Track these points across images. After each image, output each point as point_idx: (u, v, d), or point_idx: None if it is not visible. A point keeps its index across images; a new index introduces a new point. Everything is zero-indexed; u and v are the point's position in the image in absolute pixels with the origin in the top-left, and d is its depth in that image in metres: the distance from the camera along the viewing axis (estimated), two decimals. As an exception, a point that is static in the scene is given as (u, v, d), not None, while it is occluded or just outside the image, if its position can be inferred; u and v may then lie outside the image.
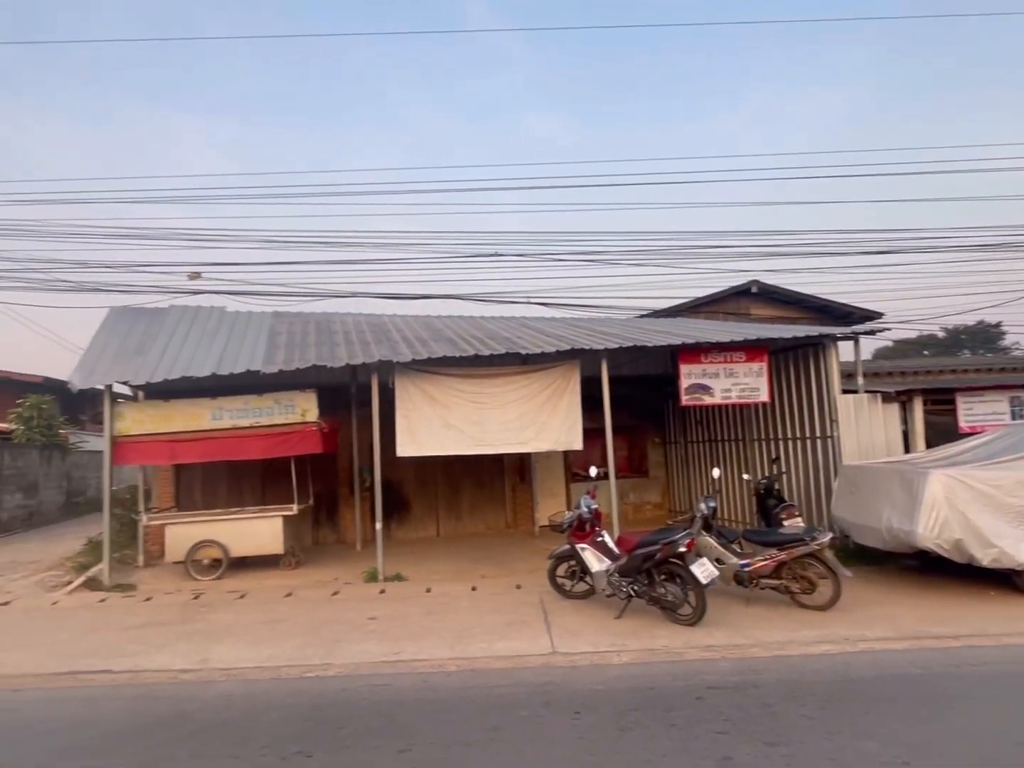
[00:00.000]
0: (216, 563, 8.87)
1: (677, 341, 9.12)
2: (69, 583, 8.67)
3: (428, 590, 7.71)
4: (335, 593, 7.75)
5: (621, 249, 12.98)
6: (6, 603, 7.74)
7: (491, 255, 12.71)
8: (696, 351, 9.32)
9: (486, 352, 8.74)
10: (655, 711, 3.92)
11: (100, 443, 24.09)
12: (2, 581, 9.04)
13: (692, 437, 12.90)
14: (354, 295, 12.26)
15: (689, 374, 9.36)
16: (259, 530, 9.07)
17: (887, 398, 9.35)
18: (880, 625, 5.67)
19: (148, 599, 7.76)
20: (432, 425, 8.78)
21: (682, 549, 5.89)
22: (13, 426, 19.24)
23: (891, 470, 7.18)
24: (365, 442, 11.62)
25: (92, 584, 8.47)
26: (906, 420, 9.51)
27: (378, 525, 8.58)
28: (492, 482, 12.73)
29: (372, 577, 8.38)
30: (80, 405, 25.19)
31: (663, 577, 6.01)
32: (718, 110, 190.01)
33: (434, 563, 9.44)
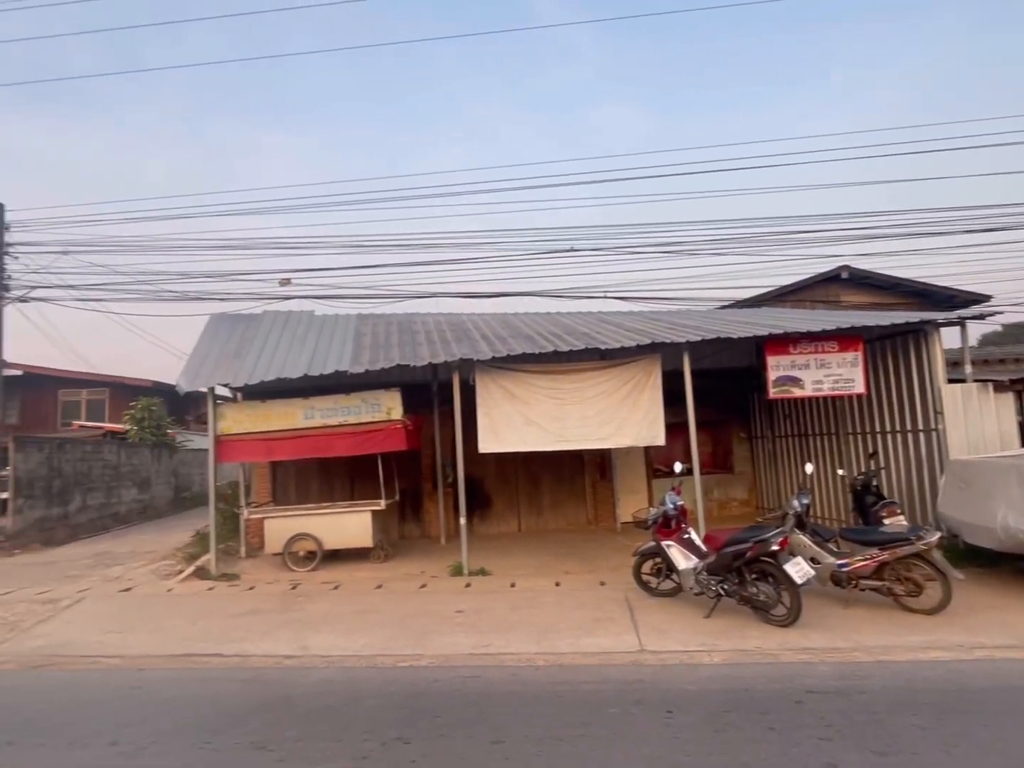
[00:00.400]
0: (311, 555, 9.31)
1: (764, 331, 8.79)
2: (181, 572, 9.35)
3: (512, 585, 7.80)
4: (423, 586, 7.98)
5: (701, 238, 12.62)
6: (128, 589, 8.43)
7: (567, 251, 12.68)
8: (784, 341, 8.95)
9: (565, 348, 8.74)
10: (751, 714, 3.82)
11: (203, 442, 25.74)
12: (123, 569, 9.86)
13: (780, 431, 12.40)
14: (433, 295, 12.56)
15: (777, 366, 9.00)
16: (350, 524, 9.44)
17: (999, 387, 8.65)
18: (997, 632, 5.27)
19: (251, 588, 8.25)
20: (513, 422, 8.86)
21: (775, 548, 5.68)
22: (127, 427, 20.91)
23: (1008, 465, 6.63)
24: (447, 438, 11.92)
25: (201, 573, 9.08)
26: (1023, 411, 8.77)
27: (462, 520, 8.76)
28: (572, 478, 12.71)
29: (457, 571, 8.57)
30: (185, 406, 27.01)
31: (754, 576, 5.82)
32: (798, 92, 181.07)
33: (517, 558, 9.53)
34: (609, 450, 11.74)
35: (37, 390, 24.99)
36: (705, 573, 6.10)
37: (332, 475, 11.98)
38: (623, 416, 8.83)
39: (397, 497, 10.46)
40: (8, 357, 23.49)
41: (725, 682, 4.43)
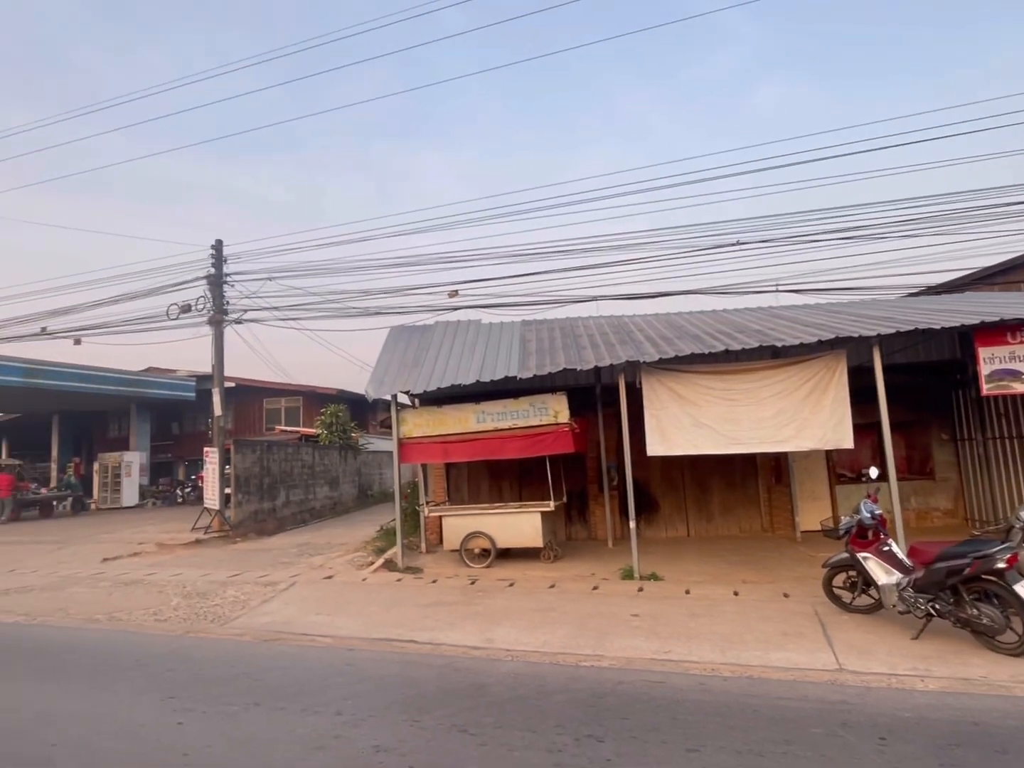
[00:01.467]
0: (485, 552, 9.77)
1: (974, 319, 7.77)
2: (371, 563, 10.25)
3: (687, 591, 7.60)
4: (595, 588, 8.04)
5: (885, 221, 11.38)
6: (330, 577, 9.42)
7: (733, 244, 12.11)
8: (1000, 330, 7.85)
9: (737, 347, 8.37)
10: (984, 751, 3.41)
11: (382, 444, 27.95)
12: (324, 559, 11.03)
13: (994, 432, 10.84)
14: (594, 299, 12.58)
15: (991, 358, 7.91)
16: (521, 524, 9.77)
17: None
18: None
19: (434, 581, 8.84)
20: (682, 424, 8.65)
21: (1000, 565, 5.00)
22: (318, 430, 23.32)
23: None
24: (611, 441, 11.92)
25: (389, 565, 9.89)
26: None
27: (632, 524, 8.70)
28: (744, 482, 12.10)
29: (628, 575, 8.52)
30: (364, 412, 29.58)
31: (973, 596, 5.17)
32: (964, 58, 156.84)
33: (687, 564, 9.27)
34: (785, 453, 11.02)
35: (246, 399, 28.72)
36: (911, 590, 5.52)
37: (501, 476, 12.47)
38: (804, 417, 8.26)
39: (564, 499, 10.64)
40: (225, 372, 27.26)
41: (948, 712, 3.98)
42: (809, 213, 14.05)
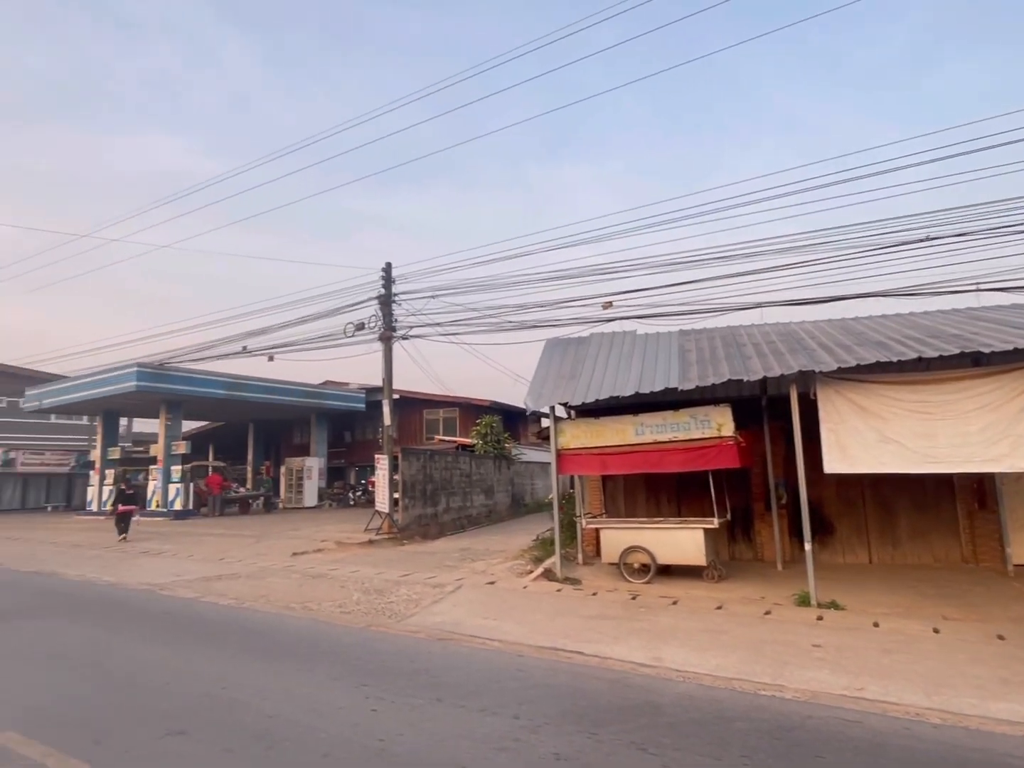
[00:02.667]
0: (645, 568, 9.56)
1: None
2: (531, 572, 10.45)
3: (875, 624, 6.90)
4: (767, 612, 7.56)
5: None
6: (492, 583, 9.74)
7: (921, 240, 10.90)
8: None
9: (932, 354, 7.52)
10: None
11: (535, 455, 28.46)
12: (485, 565, 11.43)
13: None
14: (757, 306, 11.90)
15: None
16: (682, 540, 9.46)
17: None
18: None
19: (594, 594, 8.81)
20: (865, 439, 7.90)
21: None
22: (474, 440, 24.27)
23: None
24: (779, 456, 11.18)
25: (548, 575, 10.02)
26: None
27: (807, 547, 8.09)
28: (938, 505, 10.76)
29: (804, 601, 7.92)
30: (517, 423, 30.35)
31: None
32: None
33: (871, 594, 8.41)
34: (991, 474, 9.67)
35: (408, 410, 30.65)
36: None
37: (659, 490, 12.18)
38: (1020, 433, 7.20)
39: (728, 516, 10.14)
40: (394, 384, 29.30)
41: None
42: (1015, 200, 12.29)
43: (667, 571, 9.82)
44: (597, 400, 9.59)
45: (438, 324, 16.34)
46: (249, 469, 30.97)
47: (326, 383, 32.30)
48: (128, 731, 4.19)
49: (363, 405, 30.86)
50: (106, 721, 4.38)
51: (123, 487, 19.29)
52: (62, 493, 32.61)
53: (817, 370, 8.06)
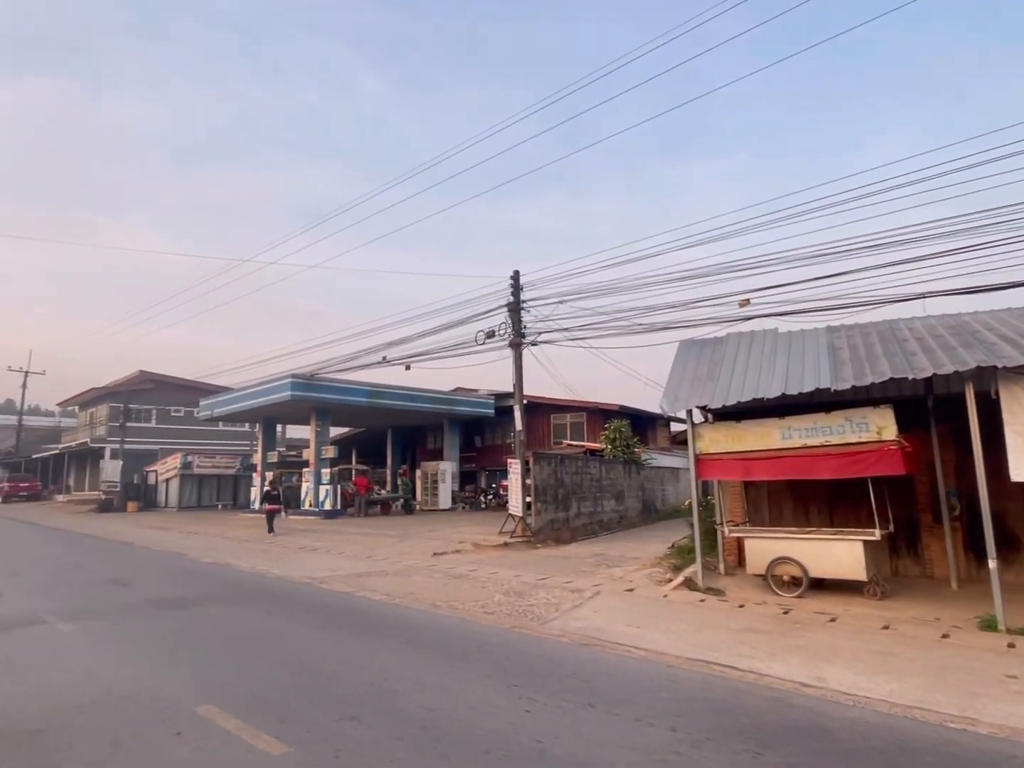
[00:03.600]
0: (794, 581, 8.98)
1: None
2: (670, 580, 10.18)
3: (1086, 656, 6.01)
4: (944, 636, 6.82)
5: None
6: (631, 590, 9.60)
7: None
8: None
9: None
10: None
11: (666, 460, 27.76)
12: (622, 571, 11.28)
13: None
14: (921, 296, 10.79)
15: None
16: (839, 553, 8.79)
17: None
18: None
19: (740, 606, 8.41)
20: (1062, 443, 6.92)
21: None
22: (602, 445, 24.07)
23: None
24: (949, 463, 10.07)
25: (689, 584, 9.70)
26: None
27: (991, 564, 7.21)
28: None
29: (989, 625, 7.06)
30: (646, 427, 29.76)
31: None
32: None
33: (1078, 621, 7.33)
34: None
35: (535, 415, 30.99)
36: None
37: (808, 498, 11.40)
38: None
39: (891, 528, 9.28)
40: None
41: None
42: None
43: (820, 585, 9.16)
44: (739, 402, 9.18)
45: (566, 329, 16.42)
46: (388, 472, 32.77)
47: (456, 390, 33.49)
48: (307, 712, 4.57)
49: (492, 411, 31.64)
50: (288, 702, 4.81)
51: (268, 488, 21.28)
52: (230, 493, 36.30)
53: (999, 365, 7.19)
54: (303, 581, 10.69)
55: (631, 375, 34.00)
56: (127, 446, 35.19)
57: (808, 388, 8.53)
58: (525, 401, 24.89)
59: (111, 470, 34.76)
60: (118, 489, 33.78)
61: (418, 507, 29.34)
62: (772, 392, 8.83)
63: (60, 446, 47.63)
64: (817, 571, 8.90)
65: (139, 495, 34.53)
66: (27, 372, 48.23)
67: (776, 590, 9.06)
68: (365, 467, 31.06)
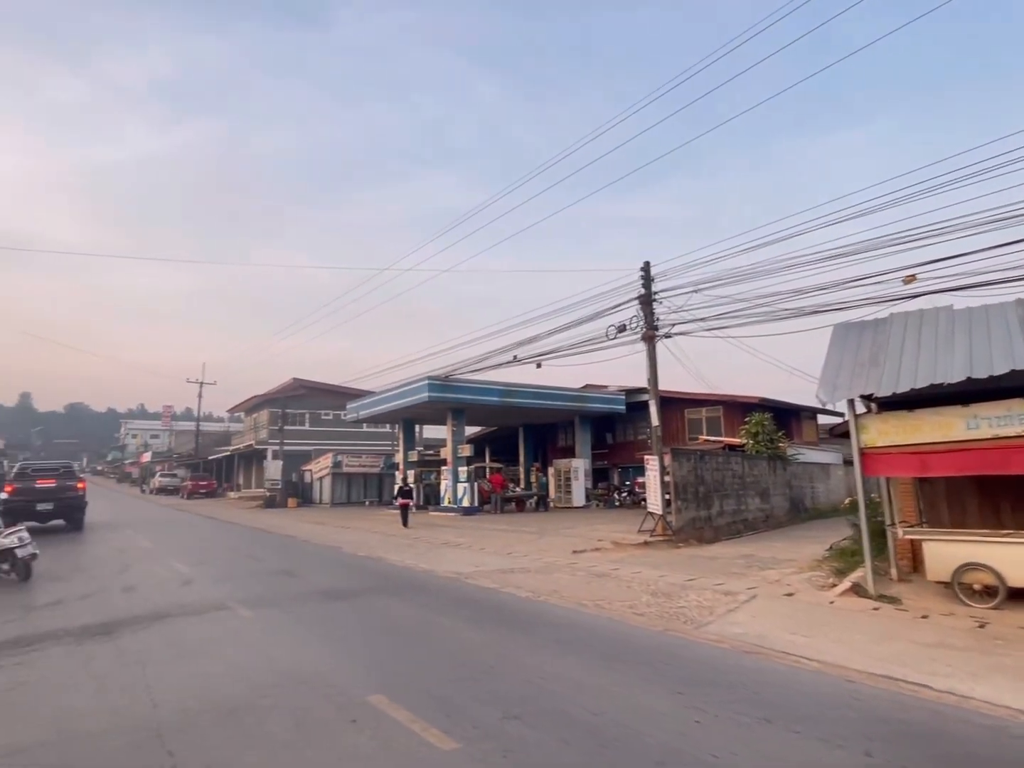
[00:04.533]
0: (988, 591, 7.90)
1: None
2: (834, 585, 9.35)
3: None
4: None
5: None
6: (790, 595, 8.93)
7: None
8: None
9: None
10: None
11: (814, 455, 25.85)
12: (777, 574, 10.55)
13: None
14: None
15: None
16: (1046, 560, 7.62)
17: None
18: None
19: (923, 617, 7.52)
20: None
21: None
22: (743, 440, 22.81)
23: None
24: None
25: (858, 591, 8.85)
26: None
27: None
28: None
29: None
30: (790, 420, 27.83)
31: None
32: None
33: None
34: None
35: (668, 410, 29.98)
36: None
37: (997, 495, 10.00)
38: None
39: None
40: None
41: None
42: None
43: (1020, 596, 7.99)
44: (912, 389, 8.24)
45: (702, 319, 15.69)
46: (520, 470, 33.23)
47: (586, 387, 33.27)
48: (471, 708, 4.63)
49: (623, 407, 31.09)
50: (451, 696, 4.91)
51: (401, 485, 23.25)
52: (375, 490, 38.60)
53: None
54: (450, 576, 11.02)
55: (774, 365, 31.97)
56: (285, 447, 38.51)
57: (1001, 370, 7.49)
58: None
59: (273, 469, 38.16)
60: (279, 487, 37.02)
61: (552, 504, 29.48)
62: (955, 376, 7.84)
63: (230, 448, 53.18)
64: (1017, 579, 7.77)
65: (297, 492, 37.64)
66: (202, 383, 54.27)
67: (965, 600, 8.03)
68: (500, 465, 31.70)
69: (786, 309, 13.81)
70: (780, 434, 22.84)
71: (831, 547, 12.76)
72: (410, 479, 30.77)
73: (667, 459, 15.99)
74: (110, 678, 5.71)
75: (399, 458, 32.51)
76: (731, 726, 4.23)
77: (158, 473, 56.23)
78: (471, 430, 38.15)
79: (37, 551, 11.44)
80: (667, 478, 15.80)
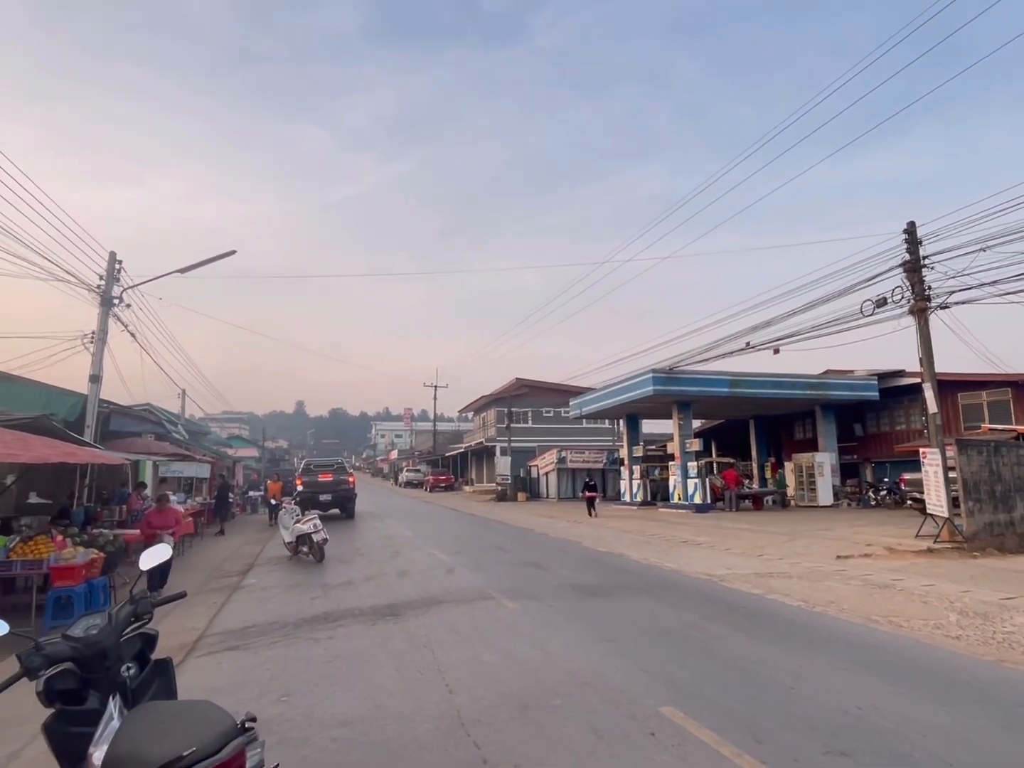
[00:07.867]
0: None
1: None
2: None
3: None
4: None
5: None
6: None
7: None
8: None
9: None
10: None
11: None
12: None
13: None
14: None
15: None
16: None
17: None
18: None
19: None
20: None
21: None
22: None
23: None
24: None
25: None
26: None
27: None
28: None
29: None
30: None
31: None
32: None
33: None
34: None
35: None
36: None
37: None
38: None
39: None
40: (904, 368, 25.15)
41: None
42: None
43: None
44: None
45: (993, 283, 13.02)
46: (753, 465, 30.98)
47: (827, 372, 29.96)
48: (781, 735, 4.13)
49: (876, 393, 27.37)
50: (753, 717, 4.44)
51: (587, 480, 25.55)
52: (599, 485, 38.93)
53: None
54: (701, 577, 10.43)
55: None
56: (512, 444, 40.50)
57: None
58: (914, 380, 20.89)
59: (502, 465, 40.36)
60: (509, 481, 39.05)
61: (792, 502, 27.00)
62: None
63: (463, 446, 57.54)
64: None
65: (525, 486, 39.39)
66: (436, 387, 59.49)
67: None
68: (731, 460, 29.93)
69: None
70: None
71: None
72: (635, 473, 30.40)
73: (950, 451, 13.55)
74: (405, 659, 6.22)
75: (623, 453, 32.27)
76: None
77: (404, 468, 63.02)
78: (694, 424, 36.60)
79: (327, 536, 13.25)
80: (951, 474, 13.39)
